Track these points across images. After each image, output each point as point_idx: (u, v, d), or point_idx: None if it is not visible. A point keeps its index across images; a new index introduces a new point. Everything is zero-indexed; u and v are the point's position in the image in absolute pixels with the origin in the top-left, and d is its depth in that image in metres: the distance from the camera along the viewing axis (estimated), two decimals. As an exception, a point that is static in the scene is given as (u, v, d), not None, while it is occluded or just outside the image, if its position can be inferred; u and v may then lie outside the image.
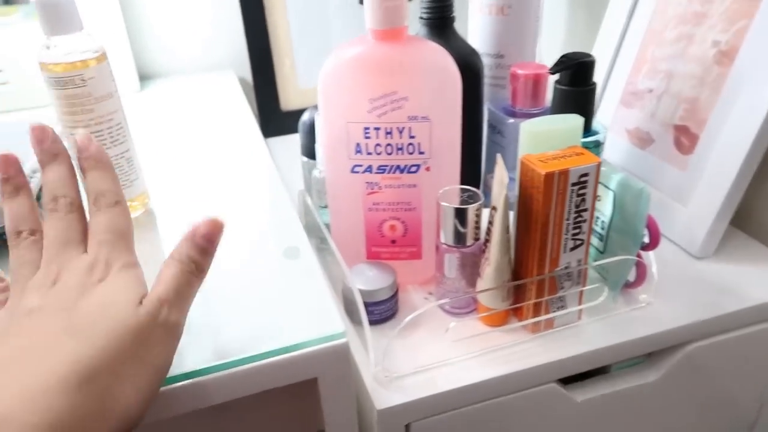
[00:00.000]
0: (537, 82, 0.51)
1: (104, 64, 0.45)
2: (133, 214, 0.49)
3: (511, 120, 0.52)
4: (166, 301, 0.30)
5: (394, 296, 0.48)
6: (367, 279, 0.48)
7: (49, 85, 0.43)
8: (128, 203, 0.48)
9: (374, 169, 0.46)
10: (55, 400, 0.25)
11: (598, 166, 0.42)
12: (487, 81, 0.57)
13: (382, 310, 0.48)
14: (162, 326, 0.30)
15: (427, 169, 0.46)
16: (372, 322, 0.45)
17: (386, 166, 0.46)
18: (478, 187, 0.58)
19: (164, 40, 0.87)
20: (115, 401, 0.27)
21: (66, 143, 0.36)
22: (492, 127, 0.55)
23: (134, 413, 0.28)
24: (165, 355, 0.30)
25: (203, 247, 0.32)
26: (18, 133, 0.53)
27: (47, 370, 0.26)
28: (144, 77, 0.87)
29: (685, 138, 0.58)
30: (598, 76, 0.70)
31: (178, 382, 0.34)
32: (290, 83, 0.85)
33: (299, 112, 0.61)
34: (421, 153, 0.46)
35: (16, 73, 0.76)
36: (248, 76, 0.87)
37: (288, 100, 0.86)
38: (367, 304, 0.45)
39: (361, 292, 0.45)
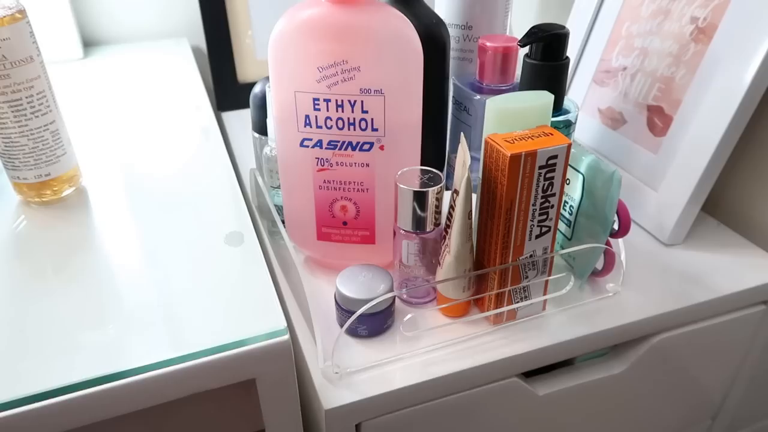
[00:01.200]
0: (506, 55, 0.48)
1: (22, 24, 0.39)
2: (62, 194, 0.45)
3: (478, 96, 0.49)
4: None
5: (391, 306, 0.44)
6: (359, 285, 0.42)
7: (-47, 46, 0.38)
8: (54, 182, 0.44)
9: (324, 145, 0.43)
10: None
11: (569, 148, 0.39)
12: (453, 54, 0.53)
13: (377, 323, 0.43)
14: None
15: (381, 147, 0.43)
16: (367, 335, 0.42)
17: (337, 141, 0.42)
18: (441, 168, 0.54)
19: (111, 3, 0.81)
20: None
21: None
22: (458, 104, 0.52)
23: None
24: None
25: None
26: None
27: None
28: (88, 43, 0.81)
29: (658, 119, 0.55)
30: (570, 53, 0.66)
31: (97, 385, 0.30)
32: (248, 54, 0.80)
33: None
34: (374, 130, 0.42)
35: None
36: (203, 45, 0.81)
37: (246, 72, 0.80)
38: (361, 316, 0.40)
39: (354, 301, 0.41)
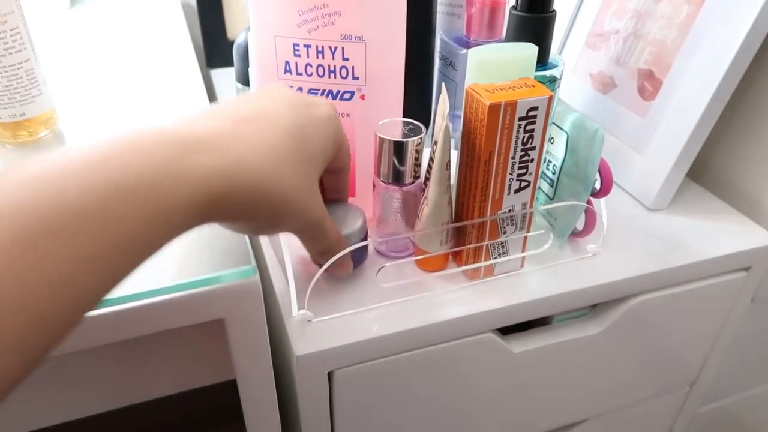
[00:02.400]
0: (494, 9, 0.47)
1: (-6, -45, 0.38)
2: (38, 135, 0.44)
3: (464, 51, 0.48)
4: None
5: (364, 240, 0.42)
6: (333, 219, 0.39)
7: (-77, -25, 0.37)
8: (30, 122, 0.43)
9: (304, 92, 0.42)
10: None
11: (550, 99, 0.38)
12: (441, 9, 0.52)
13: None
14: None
15: (362, 97, 0.42)
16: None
17: (317, 90, 0.42)
18: (427, 124, 0.53)
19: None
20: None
21: None
22: (444, 59, 0.51)
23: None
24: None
25: None
26: None
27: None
28: (76, -6, 0.79)
29: (648, 83, 0.54)
30: (564, 16, 0.65)
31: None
32: (238, 9, 0.79)
33: (243, 39, 0.55)
34: (355, 78, 0.41)
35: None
36: (193, 0, 0.80)
37: (236, 28, 0.79)
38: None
39: None
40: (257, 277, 0.33)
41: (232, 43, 0.79)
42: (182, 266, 0.33)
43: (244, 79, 0.52)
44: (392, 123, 0.42)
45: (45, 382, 0.35)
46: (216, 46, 0.79)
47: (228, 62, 0.79)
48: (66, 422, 0.37)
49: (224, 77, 0.77)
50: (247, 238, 0.35)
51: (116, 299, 0.30)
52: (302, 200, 0.31)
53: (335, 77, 0.41)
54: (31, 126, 0.43)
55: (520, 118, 0.38)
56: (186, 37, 0.69)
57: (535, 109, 0.38)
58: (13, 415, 0.36)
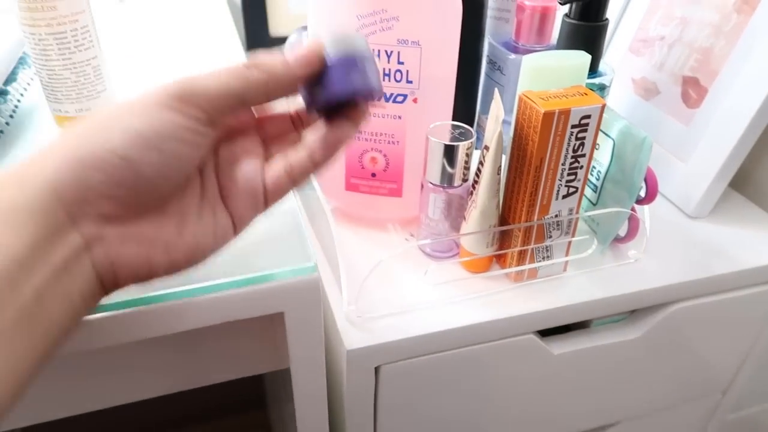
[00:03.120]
0: (544, 15, 0.48)
1: (69, -44, 0.40)
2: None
3: (513, 56, 0.49)
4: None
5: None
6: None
7: (4, -25, 0.39)
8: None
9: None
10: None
11: (602, 108, 0.39)
12: (489, 13, 0.53)
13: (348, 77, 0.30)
14: None
15: (415, 100, 0.43)
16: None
17: (372, 92, 0.43)
18: (471, 126, 0.54)
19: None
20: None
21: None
22: (491, 63, 0.51)
23: None
24: None
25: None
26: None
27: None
28: (125, -12, 0.81)
29: (693, 90, 0.55)
30: (609, 17, 0.65)
31: (138, 306, 0.31)
32: (281, 6, 0.80)
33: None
34: (408, 82, 0.42)
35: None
36: (237, -4, 0.81)
37: (278, 25, 0.80)
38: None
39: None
40: (317, 273, 0.34)
41: (273, 40, 0.81)
42: (245, 262, 0.34)
43: (295, 78, 0.53)
44: (442, 126, 0.43)
45: (113, 366, 0.37)
46: (258, 41, 0.80)
47: (270, 58, 0.80)
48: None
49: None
50: (306, 236, 0.36)
51: (189, 291, 0.32)
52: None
53: (389, 80, 0.42)
54: (95, 120, 0.45)
55: (573, 126, 0.39)
56: (233, 31, 0.70)
57: (588, 117, 0.39)
58: (85, 393, 0.38)
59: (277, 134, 0.33)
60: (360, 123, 0.31)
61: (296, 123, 0.33)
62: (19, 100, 0.47)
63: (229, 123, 0.31)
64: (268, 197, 0.31)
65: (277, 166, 0.30)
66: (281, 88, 0.29)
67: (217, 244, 0.30)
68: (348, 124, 0.31)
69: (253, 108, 0.32)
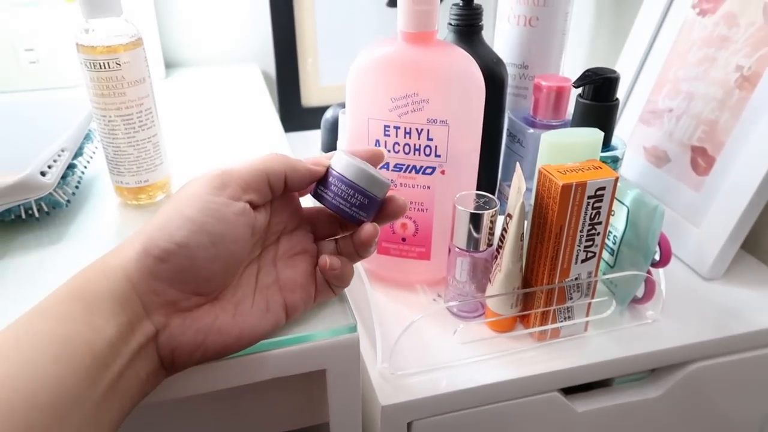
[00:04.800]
0: (560, 94, 0.52)
1: (139, 50, 0.46)
2: (156, 199, 0.51)
3: (531, 130, 0.53)
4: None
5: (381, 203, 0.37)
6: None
7: (84, 67, 0.44)
8: (150, 187, 0.49)
9: (391, 167, 0.47)
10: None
11: (616, 180, 0.42)
12: (509, 90, 0.58)
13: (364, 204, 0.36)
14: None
15: (443, 172, 0.47)
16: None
17: (402, 164, 0.47)
18: (493, 194, 0.58)
19: (191, 30, 0.88)
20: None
21: None
22: (511, 136, 0.56)
23: None
24: None
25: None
26: (45, 112, 0.55)
27: None
28: (168, 65, 0.88)
29: (701, 159, 0.58)
30: (619, 92, 0.70)
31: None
32: (312, 80, 0.86)
33: (319, 109, 0.62)
34: (437, 156, 0.46)
35: (46, 52, 0.78)
36: (271, 70, 0.88)
37: (309, 97, 0.87)
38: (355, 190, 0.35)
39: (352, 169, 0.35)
40: (357, 333, 0.37)
41: (304, 110, 0.87)
42: (290, 322, 0.37)
43: (330, 149, 0.58)
44: (468, 195, 0.47)
45: (155, 422, 0.40)
46: (291, 112, 0.86)
47: (301, 127, 0.86)
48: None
49: (298, 140, 0.84)
50: (347, 298, 0.40)
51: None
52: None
53: (419, 154, 0.47)
54: (151, 190, 0.50)
55: (589, 197, 0.42)
56: (269, 103, 0.76)
57: (603, 188, 0.42)
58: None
59: (327, 235, 0.39)
60: (359, 240, 0.36)
61: (342, 225, 0.39)
62: (83, 172, 0.52)
63: (282, 221, 0.36)
64: (317, 294, 0.36)
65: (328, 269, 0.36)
66: (299, 175, 0.34)
67: (268, 331, 0.34)
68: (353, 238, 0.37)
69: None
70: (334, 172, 0.36)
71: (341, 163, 0.36)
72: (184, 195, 0.31)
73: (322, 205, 0.37)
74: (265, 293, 0.34)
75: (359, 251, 0.36)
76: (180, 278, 0.30)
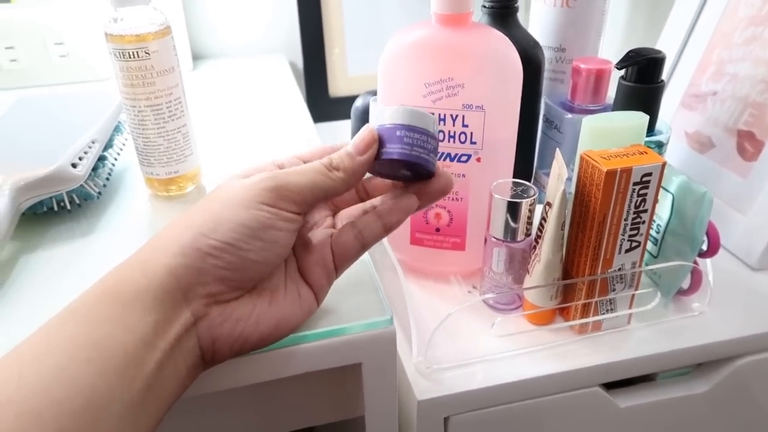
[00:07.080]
0: (599, 77, 0.50)
1: (168, 38, 0.45)
2: (186, 190, 0.50)
3: (569, 115, 0.51)
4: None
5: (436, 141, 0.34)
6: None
7: (113, 57, 0.44)
8: (181, 178, 0.49)
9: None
10: None
11: (663, 166, 0.40)
12: (546, 74, 0.56)
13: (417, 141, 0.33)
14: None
15: (478, 160, 0.45)
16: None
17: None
18: (529, 181, 0.56)
19: (217, 22, 0.88)
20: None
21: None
22: (548, 122, 0.54)
23: None
24: None
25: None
26: (75, 104, 0.54)
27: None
28: (196, 57, 0.88)
29: (749, 144, 0.56)
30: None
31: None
32: (339, 70, 0.85)
33: (347, 99, 0.61)
34: (473, 143, 0.45)
35: (76, 46, 0.78)
36: (298, 61, 0.87)
37: (337, 87, 0.86)
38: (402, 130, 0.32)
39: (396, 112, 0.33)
40: (394, 326, 0.36)
41: (332, 100, 0.86)
42: (325, 314, 0.36)
43: (360, 139, 0.57)
44: (504, 183, 0.45)
45: (189, 416, 0.39)
46: (318, 103, 0.85)
47: (329, 117, 0.85)
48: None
49: (326, 130, 0.83)
50: (380, 289, 0.39)
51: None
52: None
53: (455, 142, 0.45)
54: (181, 181, 0.49)
55: (635, 183, 0.40)
56: (297, 94, 0.75)
57: (649, 174, 0.40)
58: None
59: (344, 205, 0.38)
60: (431, 195, 0.35)
61: (360, 193, 0.38)
62: (113, 164, 0.51)
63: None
64: (337, 263, 0.34)
65: (346, 233, 0.34)
66: (357, 178, 0.33)
67: (303, 316, 0.33)
68: (420, 193, 0.34)
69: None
70: (397, 125, 0.32)
71: (396, 113, 0.32)
72: (234, 197, 0.31)
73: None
74: (293, 279, 0.34)
75: (433, 199, 0.35)
76: (227, 275, 0.30)
